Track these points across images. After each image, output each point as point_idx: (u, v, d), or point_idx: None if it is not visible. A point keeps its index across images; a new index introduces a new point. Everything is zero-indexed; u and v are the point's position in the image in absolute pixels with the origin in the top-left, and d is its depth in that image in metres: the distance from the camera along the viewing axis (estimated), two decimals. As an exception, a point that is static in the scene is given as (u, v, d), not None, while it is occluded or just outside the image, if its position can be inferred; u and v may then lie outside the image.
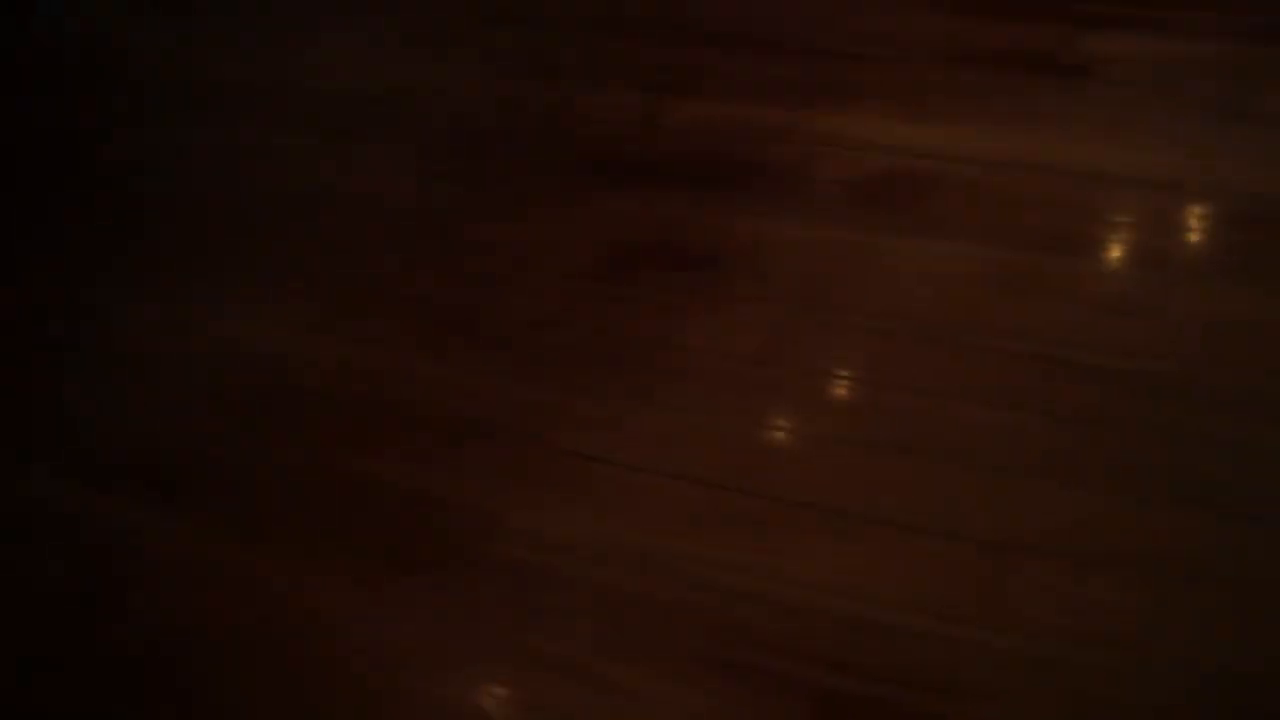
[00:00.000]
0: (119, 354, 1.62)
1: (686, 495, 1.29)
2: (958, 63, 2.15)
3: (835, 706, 1.04)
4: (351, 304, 1.67)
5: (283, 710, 1.10)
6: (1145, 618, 1.09)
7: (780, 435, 1.37)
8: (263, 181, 2.04)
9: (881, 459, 1.31)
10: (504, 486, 1.33)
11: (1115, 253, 1.60)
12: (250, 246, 1.84)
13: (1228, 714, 1.01)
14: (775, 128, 1.97)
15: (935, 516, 1.21)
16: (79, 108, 2.41)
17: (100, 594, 1.24)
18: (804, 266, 1.65)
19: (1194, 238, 1.62)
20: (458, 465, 1.36)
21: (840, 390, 1.43)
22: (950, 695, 1.04)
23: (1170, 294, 1.51)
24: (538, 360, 1.53)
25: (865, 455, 1.32)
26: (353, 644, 1.15)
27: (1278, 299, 1.48)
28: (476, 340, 1.58)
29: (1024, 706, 1.03)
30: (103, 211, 2.00)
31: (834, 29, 2.32)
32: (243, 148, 2.14)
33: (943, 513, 1.22)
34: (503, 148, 2.06)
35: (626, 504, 1.28)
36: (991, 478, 1.27)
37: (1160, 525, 1.19)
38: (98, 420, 1.50)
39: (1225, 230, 1.63)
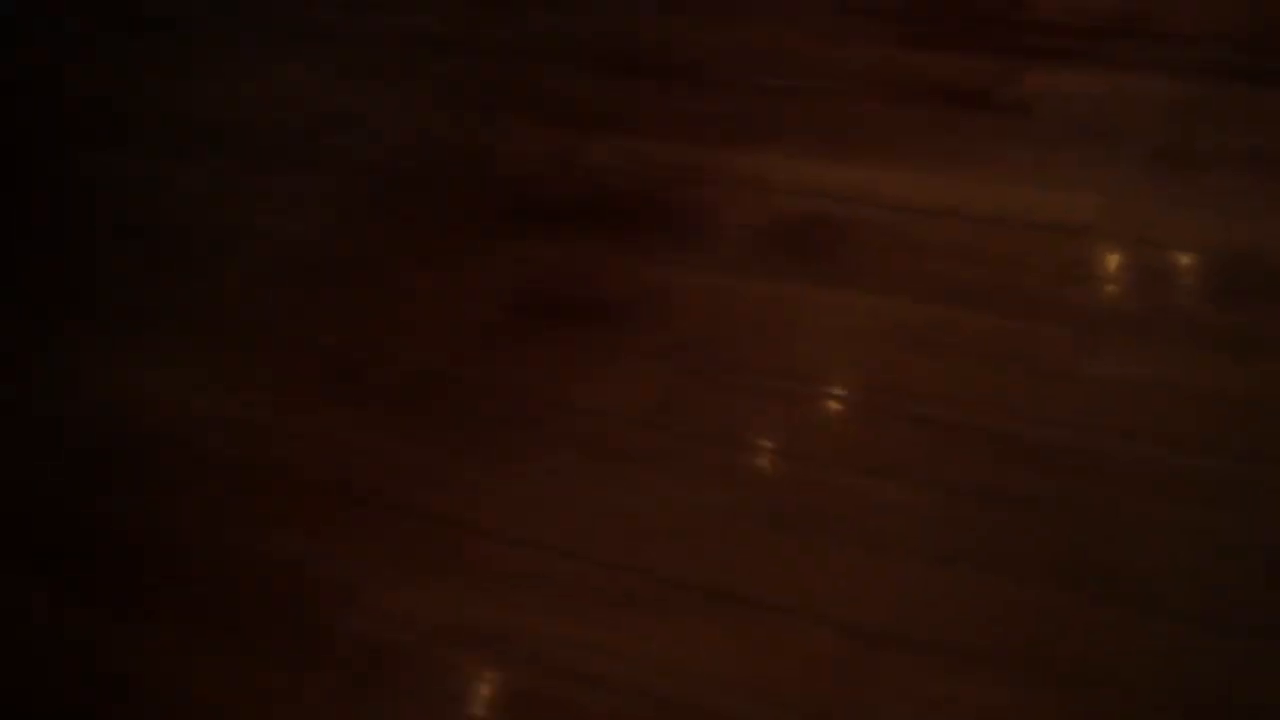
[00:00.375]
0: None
1: (555, 569, 1.22)
2: (893, 98, 2.07)
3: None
4: (240, 353, 1.60)
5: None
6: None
7: (659, 507, 1.30)
8: (164, 216, 1.97)
9: (761, 534, 1.24)
10: (367, 554, 1.26)
11: (1033, 308, 1.53)
12: (139, 288, 1.77)
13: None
14: (694, 167, 1.90)
15: (808, 597, 1.14)
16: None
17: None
18: (708, 320, 1.57)
19: (1118, 293, 1.55)
20: (325, 530, 1.29)
21: (728, 457, 1.36)
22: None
23: (1087, 356, 1.43)
24: (422, 418, 1.46)
25: (744, 530, 1.25)
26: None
27: (1203, 362, 1.41)
28: (364, 394, 1.51)
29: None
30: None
31: (770, 60, 2.24)
32: (145, 180, 2.07)
33: (820, 595, 1.14)
34: (420, 186, 1.99)
35: (492, 577, 1.21)
36: (876, 559, 1.19)
37: (1046, 617, 1.11)
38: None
39: (1153, 286, 1.55)
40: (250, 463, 1.41)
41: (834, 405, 1.40)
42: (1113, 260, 1.59)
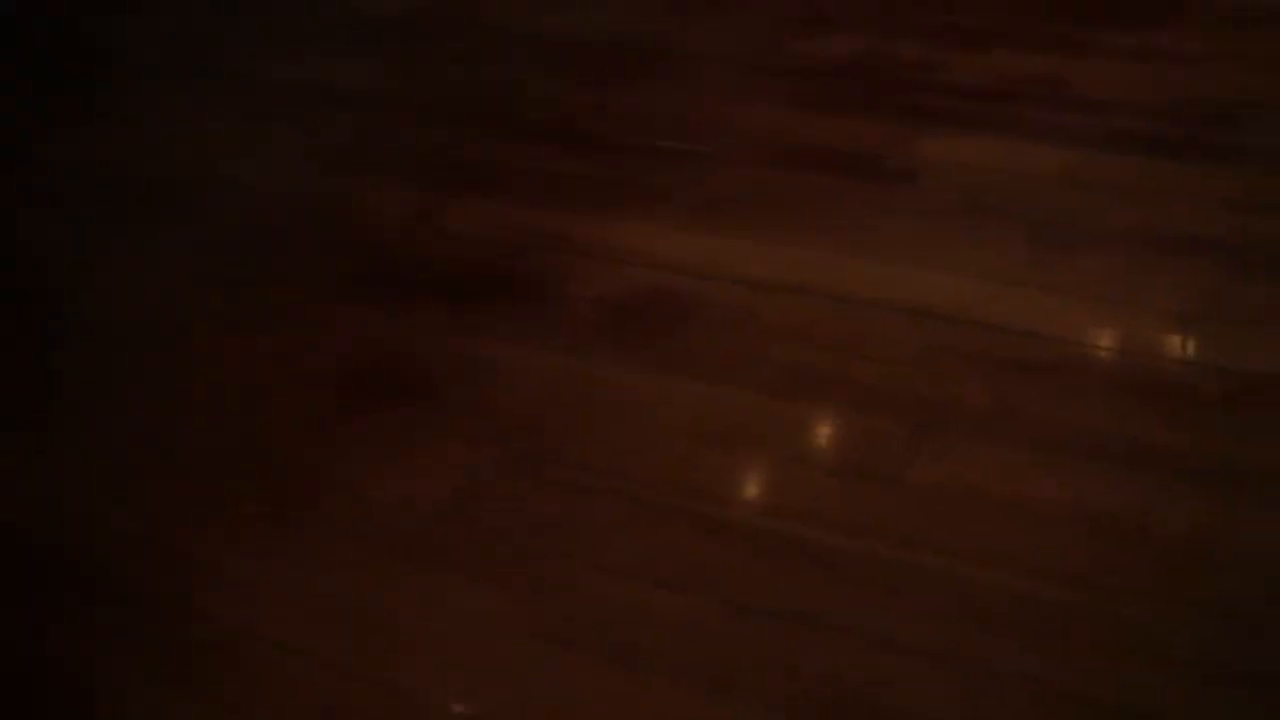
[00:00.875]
0: None
1: (323, 684, 1.11)
2: (780, 163, 1.97)
3: None
4: (50, 428, 1.50)
5: None
6: None
7: (437, 617, 1.18)
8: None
9: (544, 655, 1.12)
10: (130, 662, 1.15)
11: (871, 402, 1.41)
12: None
13: None
14: (555, 235, 1.80)
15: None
16: None
17: None
18: (531, 405, 1.46)
19: (970, 389, 1.43)
20: (96, 631, 1.18)
21: (515, 562, 1.24)
22: None
23: (923, 459, 1.32)
24: (214, 507, 1.35)
25: (529, 649, 1.13)
26: None
27: (1052, 472, 1.29)
28: (169, 473, 1.41)
29: None
30: None
31: (663, 121, 2.15)
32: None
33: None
34: (272, 247, 1.89)
35: (259, 690, 1.10)
36: (643, 681, 1.08)
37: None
38: None
39: (1008, 382, 1.43)
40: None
41: (635, 508, 1.29)
42: (968, 352, 1.47)
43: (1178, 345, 1.49)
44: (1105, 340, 1.50)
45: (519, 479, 1.35)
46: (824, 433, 1.37)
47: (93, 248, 1.92)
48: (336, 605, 1.19)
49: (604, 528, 1.26)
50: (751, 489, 1.29)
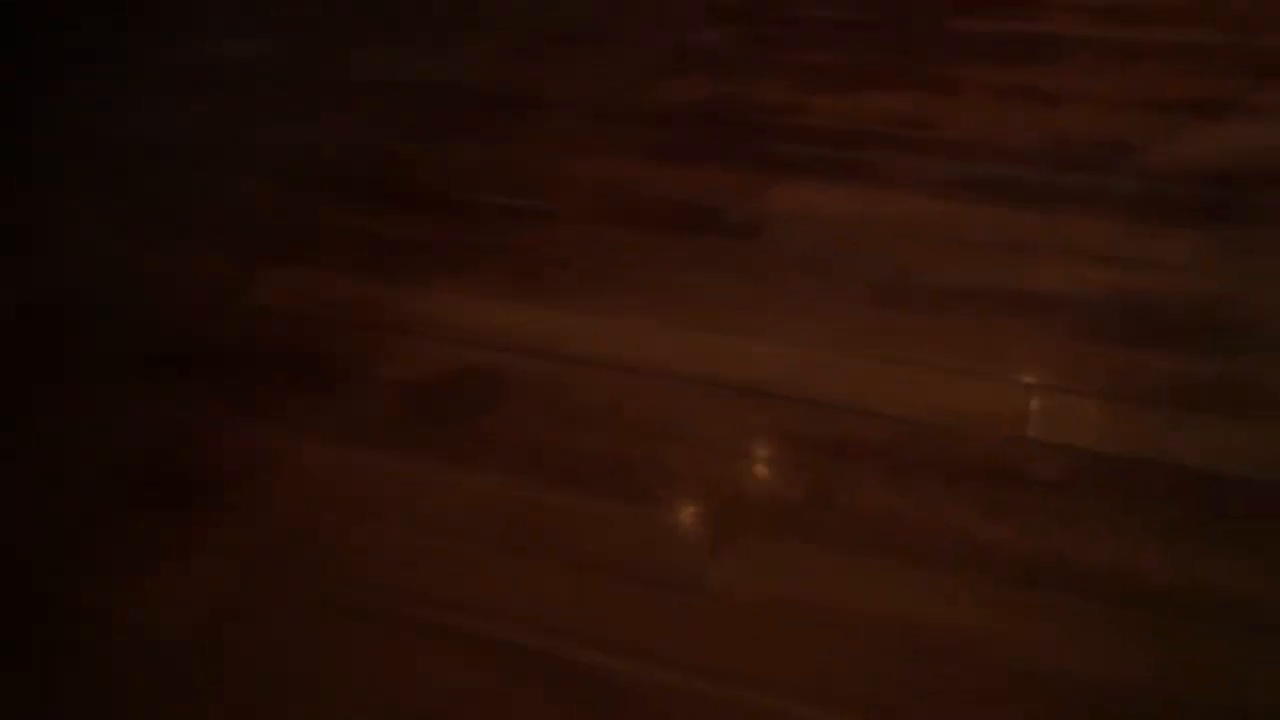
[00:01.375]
0: None
1: None
2: (618, 219, 1.85)
3: None
4: None
5: None
6: None
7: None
8: None
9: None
10: None
11: (672, 495, 1.28)
12: None
13: None
14: (369, 306, 1.66)
15: None
16: None
17: None
18: (310, 504, 1.32)
19: (781, 481, 1.30)
20: None
21: (260, 693, 1.09)
22: None
23: (722, 565, 1.18)
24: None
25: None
26: None
27: (870, 577, 1.16)
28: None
29: None
30: None
31: (499, 174, 2.01)
32: None
33: None
34: (68, 318, 1.73)
35: None
36: None
37: None
38: None
39: (833, 468, 1.31)
40: None
41: (399, 629, 1.14)
42: (791, 432, 1.35)
43: (1021, 421, 1.37)
44: (941, 417, 1.38)
45: (278, 600, 1.20)
46: (618, 532, 1.23)
47: None
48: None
49: (360, 654, 1.11)
50: (529, 603, 1.15)
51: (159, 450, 1.42)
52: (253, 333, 1.65)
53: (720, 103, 2.20)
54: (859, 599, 1.12)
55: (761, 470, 1.29)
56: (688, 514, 1.24)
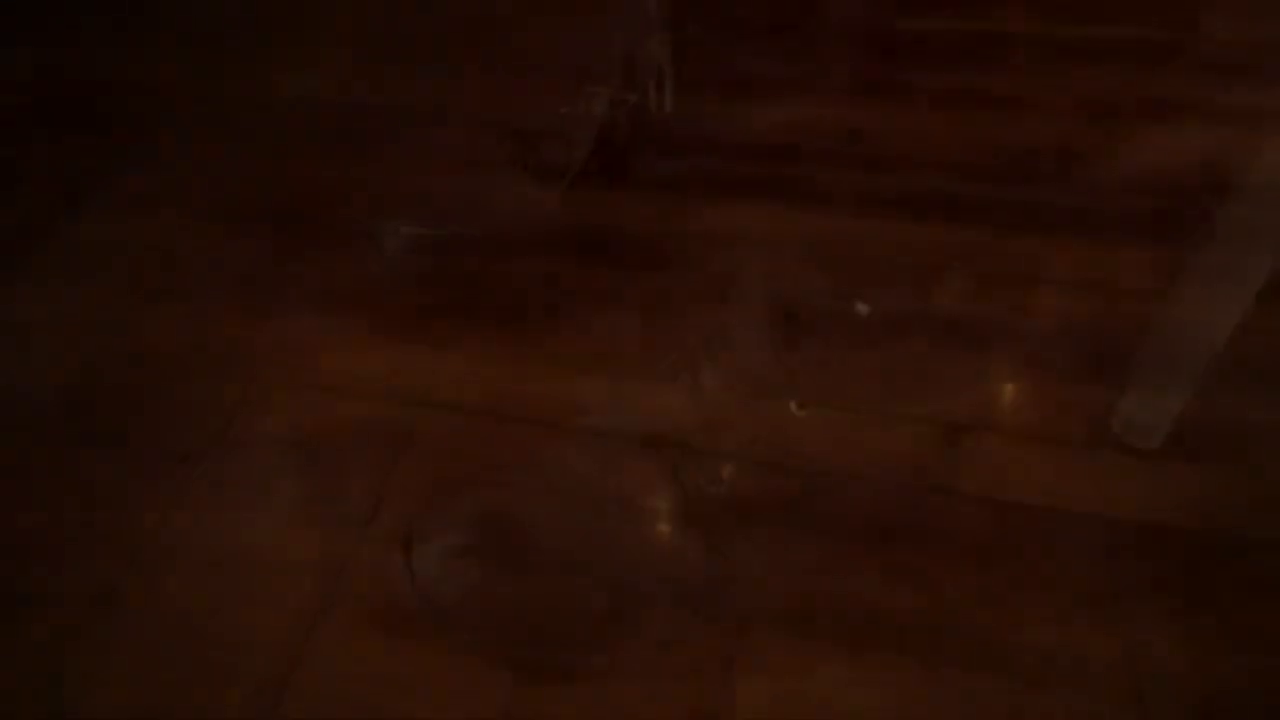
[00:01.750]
0: None
1: None
2: (521, 249, 1.69)
3: None
4: None
5: None
6: None
7: None
8: None
9: None
10: None
11: (562, 577, 1.13)
12: None
13: None
14: (242, 353, 1.50)
15: None
16: None
17: None
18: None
19: (687, 548, 1.16)
20: None
21: None
22: None
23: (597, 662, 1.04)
24: None
25: None
26: None
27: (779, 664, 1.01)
28: None
29: None
30: None
31: (387, 198, 1.86)
32: None
33: None
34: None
35: None
36: None
37: None
38: None
39: (735, 534, 1.16)
40: None
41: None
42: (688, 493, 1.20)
43: (941, 470, 1.23)
44: (856, 467, 1.23)
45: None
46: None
47: None
48: None
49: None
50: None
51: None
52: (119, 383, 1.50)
53: (636, 117, 2.05)
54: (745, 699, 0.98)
55: (656, 542, 1.15)
56: (570, 599, 1.10)
